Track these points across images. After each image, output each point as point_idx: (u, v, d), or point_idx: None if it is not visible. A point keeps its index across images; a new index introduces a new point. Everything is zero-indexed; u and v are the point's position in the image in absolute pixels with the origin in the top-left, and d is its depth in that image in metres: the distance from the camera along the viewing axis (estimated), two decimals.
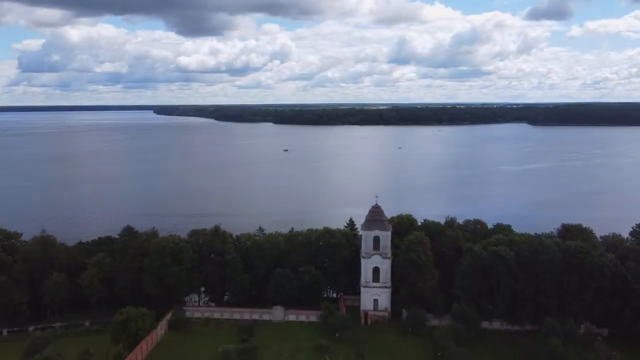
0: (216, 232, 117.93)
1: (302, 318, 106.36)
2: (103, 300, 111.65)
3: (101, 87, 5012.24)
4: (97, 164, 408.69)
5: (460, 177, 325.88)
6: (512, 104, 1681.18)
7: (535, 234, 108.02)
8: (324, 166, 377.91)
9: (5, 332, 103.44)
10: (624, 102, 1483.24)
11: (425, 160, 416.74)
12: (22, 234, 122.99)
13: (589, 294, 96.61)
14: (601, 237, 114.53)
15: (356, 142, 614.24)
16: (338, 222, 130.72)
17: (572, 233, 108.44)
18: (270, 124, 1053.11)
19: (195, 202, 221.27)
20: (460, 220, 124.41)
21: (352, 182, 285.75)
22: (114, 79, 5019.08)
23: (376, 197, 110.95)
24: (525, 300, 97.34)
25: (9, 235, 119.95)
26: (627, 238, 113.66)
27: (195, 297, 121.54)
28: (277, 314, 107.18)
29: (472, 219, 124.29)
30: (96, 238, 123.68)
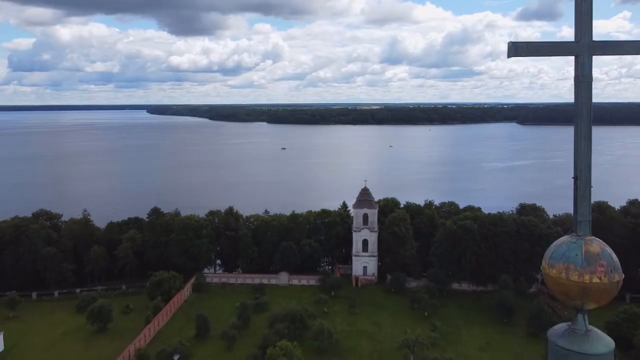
0: (230, 212, 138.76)
1: (304, 282, 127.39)
2: (135, 269, 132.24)
3: (92, 86, 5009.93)
4: (106, 160, 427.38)
5: (445, 172, 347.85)
6: (503, 104, 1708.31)
7: (498, 212, 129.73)
8: (320, 162, 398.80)
9: (56, 293, 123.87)
10: (613, 102, 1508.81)
11: (414, 158, 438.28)
12: (62, 214, 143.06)
13: (538, 258, 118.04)
14: (554, 215, 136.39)
15: (349, 141, 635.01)
16: (333, 206, 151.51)
17: (527, 210, 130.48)
18: (264, 124, 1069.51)
19: (207, 192, 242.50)
20: (437, 203, 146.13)
21: (346, 175, 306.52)
22: (105, 78, 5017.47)
23: (365, 181, 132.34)
24: (486, 264, 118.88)
25: (51, 215, 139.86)
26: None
27: (212, 270, 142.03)
28: (282, 278, 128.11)
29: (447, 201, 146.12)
30: (125, 218, 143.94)
